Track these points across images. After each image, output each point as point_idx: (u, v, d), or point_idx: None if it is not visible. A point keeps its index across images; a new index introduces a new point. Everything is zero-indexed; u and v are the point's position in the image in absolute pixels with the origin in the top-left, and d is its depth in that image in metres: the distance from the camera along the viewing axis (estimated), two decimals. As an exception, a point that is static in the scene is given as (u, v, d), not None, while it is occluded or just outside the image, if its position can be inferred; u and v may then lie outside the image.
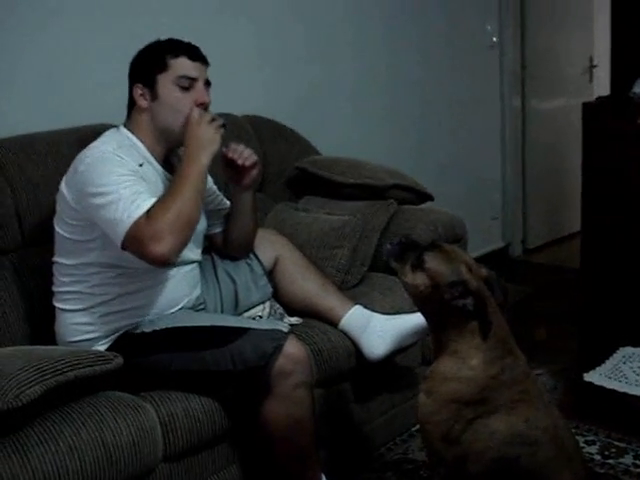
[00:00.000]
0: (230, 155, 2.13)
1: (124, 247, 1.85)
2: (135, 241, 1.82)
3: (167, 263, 1.87)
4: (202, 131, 1.97)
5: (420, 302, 1.83)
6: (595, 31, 5.10)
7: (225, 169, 2.18)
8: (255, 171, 2.18)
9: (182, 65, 2.02)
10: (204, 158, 1.95)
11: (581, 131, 3.74)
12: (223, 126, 2.01)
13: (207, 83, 2.08)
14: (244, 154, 2.13)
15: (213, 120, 2.00)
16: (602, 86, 4.77)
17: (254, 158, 2.15)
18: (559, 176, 5.04)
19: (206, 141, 1.96)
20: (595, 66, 5.13)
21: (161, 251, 1.81)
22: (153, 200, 1.86)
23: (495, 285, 1.80)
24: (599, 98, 3.86)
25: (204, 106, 2.04)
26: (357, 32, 3.60)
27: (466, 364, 1.75)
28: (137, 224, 1.81)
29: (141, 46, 2.09)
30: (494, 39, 4.41)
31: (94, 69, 2.59)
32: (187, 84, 2.02)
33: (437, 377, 1.80)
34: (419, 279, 1.78)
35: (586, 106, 3.73)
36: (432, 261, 1.77)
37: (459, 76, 4.19)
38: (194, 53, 2.05)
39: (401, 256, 1.84)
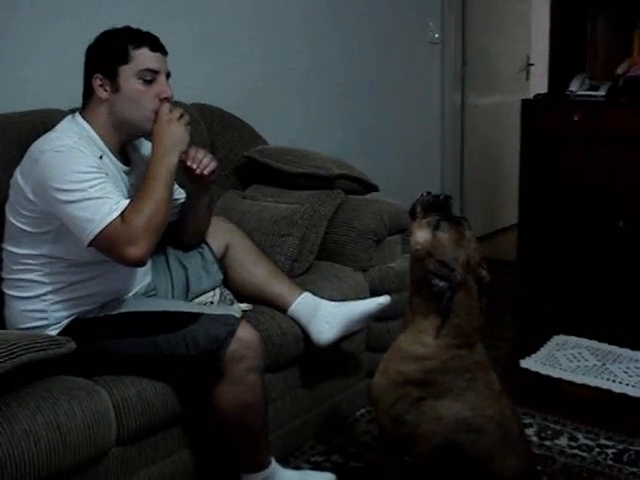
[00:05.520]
0: (189, 164, 2.08)
1: (91, 245, 1.85)
2: (109, 243, 1.83)
3: (141, 264, 1.89)
4: (173, 129, 1.96)
5: (412, 258, 1.86)
6: (532, 31, 5.26)
7: (183, 172, 2.13)
8: (214, 176, 2.16)
9: (144, 57, 1.97)
10: (174, 157, 1.95)
11: (518, 127, 3.87)
12: (189, 122, 2.00)
13: (167, 75, 2.04)
14: (203, 162, 2.09)
15: (181, 116, 1.98)
16: (538, 84, 4.92)
17: (213, 166, 2.12)
18: (496, 170, 5.18)
19: (177, 140, 1.96)
20: (532, 64, 5.28)
21: (136, 254, 1.83)
22: (125, 202, 1.86)
23: (485, 289, 1.84)
24: (537, 95, 3.98)
25: (167, 100, 2.01)
26: (306, 25, 3.62)
27: (420, 340, 1.79)
28: (112, 227, 1.81)
29: (94, 34, 2.02)
30: (436, 35, 4.48)
31: (46, 53, 2.55)
32: (150, 77, 1.98)
33: (394, 350, 1.86)
34: (423, 238, 1.80)
35: (525, 103, 3.86)
36: (444, 232, 1.79)
37: (402, 71, 4.25)
38: (155, 43, 2.01)
39: (428, 209, 1.86)
